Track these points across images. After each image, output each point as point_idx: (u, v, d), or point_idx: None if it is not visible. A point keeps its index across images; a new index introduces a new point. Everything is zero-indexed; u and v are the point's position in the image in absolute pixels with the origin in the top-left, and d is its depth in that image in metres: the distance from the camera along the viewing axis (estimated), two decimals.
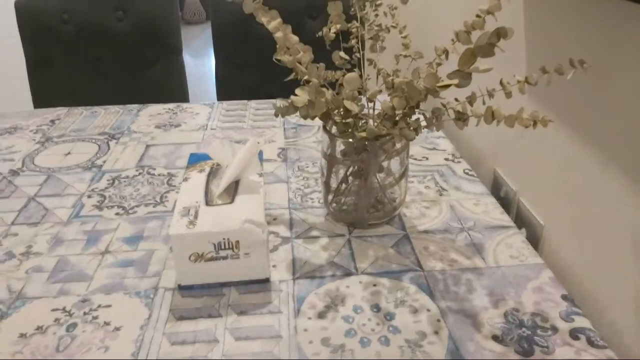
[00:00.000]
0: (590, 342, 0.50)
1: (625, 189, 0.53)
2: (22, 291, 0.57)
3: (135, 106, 1.08)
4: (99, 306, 0.55)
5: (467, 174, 0.80)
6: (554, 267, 0.65)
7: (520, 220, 0.75)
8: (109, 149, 0.90)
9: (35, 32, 1.28)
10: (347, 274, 0.59)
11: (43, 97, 1.33)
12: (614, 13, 0.53)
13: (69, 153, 0.89)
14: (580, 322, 0.52)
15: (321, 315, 0.54)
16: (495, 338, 0.50)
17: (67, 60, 1.31)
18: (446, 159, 0.85)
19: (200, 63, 3.66)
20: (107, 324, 0.53)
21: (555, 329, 0.51)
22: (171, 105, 1.08)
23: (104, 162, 0.85)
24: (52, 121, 1.01)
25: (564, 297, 0.55)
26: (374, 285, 0.58)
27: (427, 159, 0.85)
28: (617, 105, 0.54)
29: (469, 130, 0.94)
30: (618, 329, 0.55)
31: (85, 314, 0.54)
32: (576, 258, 0.63)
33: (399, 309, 0.54)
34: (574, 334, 0.51)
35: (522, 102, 0.72)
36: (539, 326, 0.52)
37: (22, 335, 0.51)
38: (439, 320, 0.53)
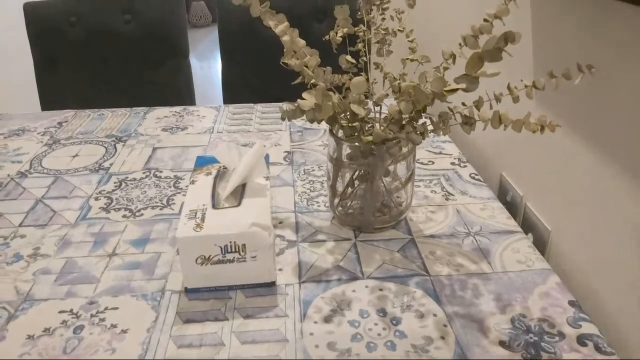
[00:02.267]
0: (598, 349, 0.49)
1: (632, 194, 0.53)
2: (29, 293, 0.58)
3: (142, 109, 1.09)
4: (106, 308, 0.55)
5: (473, 178, 0.80)
6: (560, 272, 0.65)
7: (527, 225, 0.75)
8: (116, 151, 0.90)
9: (43, 34, 1.29)
10: (353, 278, 0.59)
11: (50, 99, 1.34)
12: (621, 17, 0.53)
13: (76, 155, 0.89)
14: (588, 328, 0.52)
15: (327, 320, 0.53)
16: (502, 344, 0.50)
17: (75, 63, 1.32)
18: (452, 163, 0.85)
19: (207, 66, 3.68)
20: (114, 326, 0.53)
21: (562, 335, 0.51)
22: (178, 108, 1.09)
23: (111, 164, 0.86)
24: (60, 123, 1.02)
25: (571, 303, 0.55)
26: (380, 289, 0.58)
27: (433, 163, 0.85)
28: (625, 110, 0.54)
29: (475, 135, 0.94)
30: (625, 335, 0.54)
31: (92, 316, 0.54)
32: (583, 263, 0.62)
33: (405, 313, 0.54)
34: (582, 340, 0.51)
35: (530, 106, 0.71)
36: (546, 332, 0.52)
37: (30, 337, 0.52)
38: (445, 325, 0.52)
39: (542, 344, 0.50)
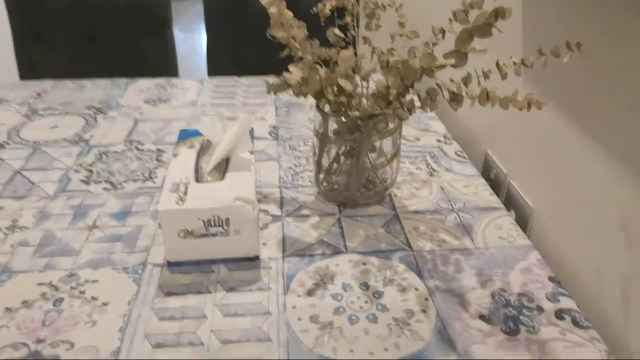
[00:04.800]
0: (575, 323, 0.51)
1: (614, 173, 0.54)
2: (7, 265, 0.56)
3: (123, 80, 1.06)
4: (86, 281, 0.55)
5: (458, 155, 0.80)
6: (541, 248, 0.66)
7: (510, 202, 0.75)
8: (96, 123, 0.88)
9: (22, 3, 1.24)
10: (337, 252, 0.59)
11: (30, 70, 1.30)
12: None
13: (55, 126, 0.87)
14: (566, 303, 0.53)
15: (310, 293, 0.54)
16: (482, 317, 0.51)
17: (55, 33, 1.28)
18: (438, 141, 0.85)
19: (191, 37, 3.60)
20: (94, 298, 0.52)
21: (541, 309, 0.52)
22: (160, 81, 1.07)
23: (92, 136, 0.84)
24: (39, 94, 0.99)
25: (551, 279, 0.56)
26: (363, 264, 0.58)
27: (419, 140, 0.85)
28: (611, 90, 0.54)
29: (461, 112, 0.93)
30: (602, 309, 0.56)
31: (72, 288, 0.54)
32: (564, 240, 0.63)
33: (387, 287, 0.54)
34: (560, 314, 0.52)
35: (517, 84, 0.71)
36: (525, 306, 0.52)
37: (8, 310, 0.51)
38: (426, 299, 0.53)
39: (521, 317, 0.51)
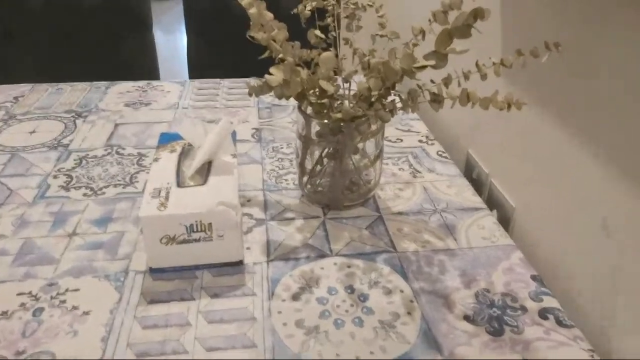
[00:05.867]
0: (559, 322, 0.51)
1: (595, 172, 0.54)
2: None
3: (103, 83, 1.05)
4: (67, 290, 0.54)
5: (440, 155, 0.81)
6: (523, 248, 0.67)
7: (492, 202, 0.76)
8: (75, 127, 0.87)
9: None
10: (322, 255, 0.59)
11: (5, 73, 1.27)
12: None
13: (33, 131, 0.85)
14: (549, 302, 0.54)
15: (295, 297, 0.53)
16: (466, 318, 0.51)
17: (32, 35, 1.26)
18: (420, 141, 0.85)
19: (172, 39, 3.57)
20: (75, 308, 0.51)
21: (524, 309, 0.52)
22: (141, 83, 1.05)
23: (71, 141, 0.83)
24: (16, 98, 0.97)
25: (534, 278, 0.57)
26: (348, 266, 0.58)
27: (401, 140, 0.85)
28: (590, 89, 0.54)
29: (443, 113, 0.94)
30: (585, 308, 0.56)
31: (52, 298, 0.53)
32: (546, 239, 0.64)
33: (372, 290, 0.54)
34: (543, 313, 0.52)
35: (497, 85, 0.72)
36: (509, 306, 0.53)
37: None
38: (412, 301, 0.53)
39: (505, 317, 0.51)
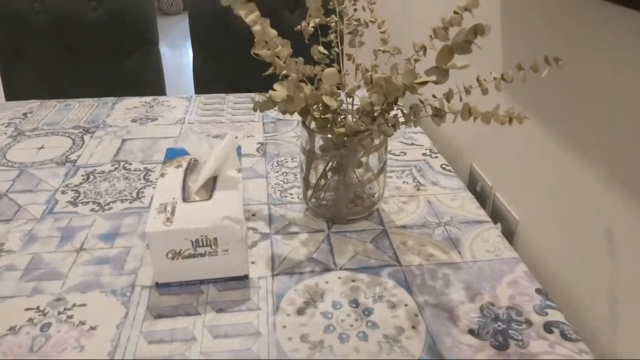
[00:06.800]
0: (564, 336, 0.51)
1: (599, 184, 0.55)
2: None
3: (110, 99, 1.06)
4: (74, 305, 0.54)
5: (444, 169, 0.81)
6: (528, 261, 0.67)
7: (496, 214, 0.76)
8: (83, 143, 0.88)
9: (5, 21, 1.24)
10: (326, 269, 0.60)
11: (15, 89, 1.29)
12: (589, 12, 0.54)
13: (42, 147, 0.87)
14: (554, 315, 0.53)
15: (300, 312, 0.54)
16: (471, 332, 0.51)
17: (40, 52, 1.28)
18: (424, 154, 0.85)
19: (178, 55, 3.61)
20: (82, 323, 0.52)
21: (529, 323, 0.52)
22: (147, 98, 1.07)
23: (79, 156, 0.84)
24: (25, 114, 0.99)
25: (538, 291, 0.57)
26: (353, 280, 0.58)
27: (405, 154, 0.86)
28: (592, 103, 0.55)
29: (446, 126, 0.95)
30: (590, 321, 0.56)
31: (59, 313, 0.53)
32: (550, 252, 0.64)
33: (377, 304, 0.55)
34: (548, 327, 0.52)
35: (499, 99, 0.72)
36: (513, 320, 0.53)
37: None
38: (416, 315, 0.53)
39: (510, 331, 0.51)
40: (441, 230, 0.67)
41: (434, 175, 0.79)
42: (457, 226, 0.67)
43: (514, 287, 0.57)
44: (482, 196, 0.80)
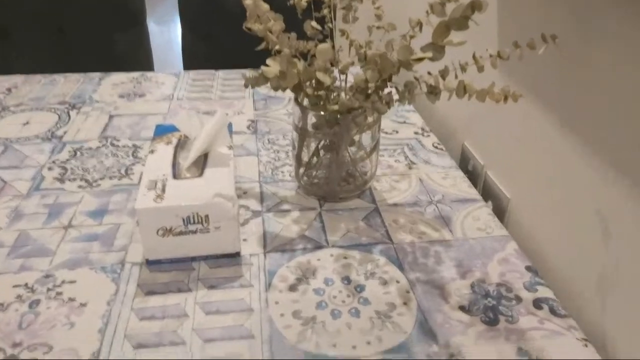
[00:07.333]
0: (553, 312, 0.52)
1: (590, 164, 0.55)
2: None
3: (97, 74, 1.04)
4: (63, 282, 0.53)
5: (436, 147, 0.81)
6: (518, 238, 0.67)
7: (487, 193, 0.76)
8: (69, 119, 0.86)
9: None
10: (318, 246, 0.59)
11: (0, 69, 1.26)
12: None
13: (27, 123, 0.85)
14: (543, 292, 0.54)
15: (292, 288, 0.54)
16: (462, 308, 0.52)
17: (25, 29, 1.24)
18: (416, 133, 0.85)
19: (166, 30, 3.54)
20: (72, 300, 0.51)
21: (519, 299, 0.53)
22: (135, 74, 1.05)
23: (65, 132, 0.82)
24: (9, 89, 0.96)
25: (528, 268, 0.57)
26: (345, 257, 0.58)
27: (397, 132, 0.85)
28: (587, 83, 0.55)
29: (439, 105, 0.94)
30: (578, 297, 0.57)
31: (49, 290, 0.52)
32: (540, 230, 0.64)
33: (369, 280, 0.55)
34: (537, 303, 0.53)
35: (495, 77, 0.72)
36: (503, 296, 0.53)
37: None
38: (408, 292, 0.53)
39: (500, 307, 0.52)
40: (433, 208, 0.67)
41: (426, 153, 0.79)
42: (449, 204, 0.67)
43: (504, 264, 0.58)
44: (473, 175, 0.80)
